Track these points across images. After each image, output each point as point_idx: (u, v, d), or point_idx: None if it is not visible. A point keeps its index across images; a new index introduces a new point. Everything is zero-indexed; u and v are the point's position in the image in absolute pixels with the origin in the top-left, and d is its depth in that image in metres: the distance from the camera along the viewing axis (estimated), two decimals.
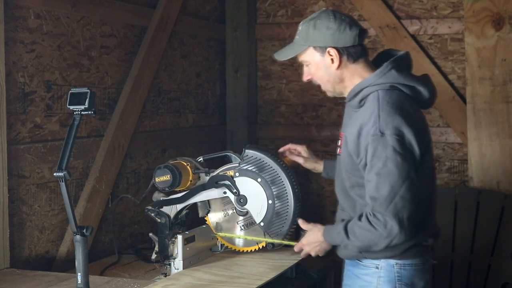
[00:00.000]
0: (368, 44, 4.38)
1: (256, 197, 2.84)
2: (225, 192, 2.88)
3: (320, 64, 2.46)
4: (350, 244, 2.40)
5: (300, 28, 2.50)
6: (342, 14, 2.45)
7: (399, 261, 2.40)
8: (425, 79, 2.47)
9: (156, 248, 2.84)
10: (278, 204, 2.81)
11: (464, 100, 4.17)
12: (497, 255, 3.92)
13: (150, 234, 2.86)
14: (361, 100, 2.40)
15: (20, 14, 2.94)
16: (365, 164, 2.33)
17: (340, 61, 2.43)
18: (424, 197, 2.36)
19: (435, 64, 4.25)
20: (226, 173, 2.88)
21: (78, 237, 2.38)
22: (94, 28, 3.37)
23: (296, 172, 2.88)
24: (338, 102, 4.44)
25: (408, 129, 2.29)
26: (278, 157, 2.89)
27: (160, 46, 3.81)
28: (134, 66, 3.62)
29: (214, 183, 2.86)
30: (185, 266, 2.77)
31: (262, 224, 2.83)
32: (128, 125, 3.55)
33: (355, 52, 2.43)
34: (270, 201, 2.82)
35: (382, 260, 2.41)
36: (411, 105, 2.39)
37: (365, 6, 4.34)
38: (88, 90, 2.37)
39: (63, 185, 2.35)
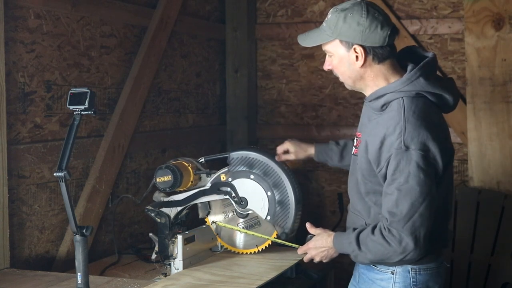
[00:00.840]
0: None
1: (255, 194, 2.85)
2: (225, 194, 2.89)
3: (344, 59, 2.37)
4: (361, 255, 2.37)
5: (329, 16, 2.38)
6: (376, 10, 2.33)
7: (414, 266, 2.38)
8: (450, 85, 2.41)
9: (156, 248, 2.84)
10: (277, 193, 2.82)
11: (464, 100, 4.16)
12: (497, 255, 3.92)
13: (150, 234, 2.86)
14: (383, 105, 2.34)
15: (20, 14, 2.94)
16: (385, 175, 2.28)
17: (365, 60, 2.34)
18: (442, 208, 2.34)
19: None
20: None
21: (78, 237, 2.38)
22: (94, 28, 3.37)
23: (296, 172, 2.88)
24: (338, 102, 4.45)
25: (433, 143, 2.23)
26: (263, 150, 2.92)
27: (160, 46, 3.81)
28: (134, 66, 3.62)
29: (216, 189, 2.87)
30: (185, 266, 2.77)
31: (269, 218, 2.83)
32: (128, 125, 3.55)
33: (382, 53, 2.34)
34: (269, 193, 2.83)
35: (398, 266, 2.38)
36: (436, 113, 2.35)
37: None
38: (88, 90, 2.37)
39: (63, 185, 2.35)
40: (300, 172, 4.37)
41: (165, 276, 2.79)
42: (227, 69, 4.59)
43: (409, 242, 2.24)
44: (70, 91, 2.40)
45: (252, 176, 2.86)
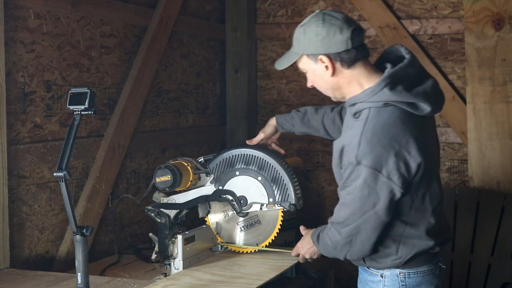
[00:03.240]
0: (368, 44, 4.36)
1: (249, 186, 2.86)
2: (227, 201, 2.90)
3: (316, 72, 2.37)
4: (320, 249, 2.49)
5: (294, 34, 2.40)
6: (333, 17, 2.31)
7: (403, 270, 2.38)
8: (428, 88, 2.31)
9: (156, 248, 2.84)
10: (266, 174, 2.83)
11: (464, 100, 4.17)
12: (497, 255, 3.92)
13: (150, 234, 2.86)
14: (356, 113, 2.33)
15: (20, 14, 2.94)
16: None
17: (334, 68, 2.32)
18: (420, 212, 2.33)
19: (435, 64, 4.25)
20: None
21: (78, 237, 2.38)
22: (94, 28, 3.37)
23: (296, 172, 2.89)
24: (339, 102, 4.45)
25: (391, 159, 2.20)
26: (232, 146, 2.94)
27: (160, 46, 3.81)
28: (134, 66, 3.62)
29: (218, 197, 2.88)
30: (185, 266, 2.77)
31: (271, 200, 2.84)
32: (128, 125, 3.55)
33: (349, 57, 2.30)
34: (259, 177, 2.84)
35: (386, 269, 2.40)
36: (406, 122, 2.26)
37: (365, 6, 4.34)
38: (88, 90, 2.37)
39: (63, 185, 2.35)
40: (300, 172, 4.38)
41: (165, 276, 2.79)
42: (227, 69, 4.59)
43: (344, 244, 2.34)
44: (70, 91, 2.39)
45: (237, 173, 2.87)
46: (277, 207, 2.84)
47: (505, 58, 4.03)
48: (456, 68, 4.23)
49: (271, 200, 2.84)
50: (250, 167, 2.86)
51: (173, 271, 2.78)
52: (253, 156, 2.86)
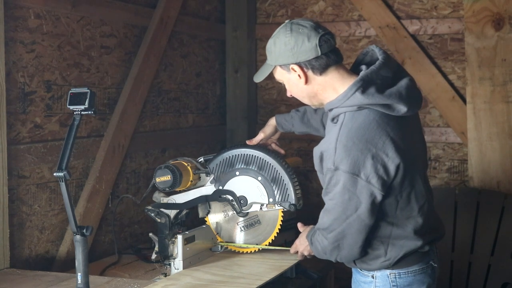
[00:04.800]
0: (368, 44, 4.38)
1: (249, 187, 2.86)
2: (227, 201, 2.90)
3: (290, 81, 2.38)
4: (314, 253, 2.49)
5: (266, 46, 2.44)
6: (300, 26, 2.32)
7: (393, 271, 2.39)
8: (402, 91, 2.27)
9: (156, 248, 2.84)
10: (266, 174, 2.83)
11: (464, 100, 4.16)
12: (497, 255, 3.92)
13: (150, 234, 2.86)
14: (333, 118, 2.34)
15: (20, 14, 2.94)
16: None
17: (306, 76, 2.33)
18: (407, 212, 2.32)
19: (435, 64, 4.25)
20: None
21: (78, 237, 2.38)
22: (94, 28, 3.37)
23: (296, 172, 2.89)
24: None
25: (368, 162, 2.19)
26: (232, 145, 2.94)
27: (160, 46, 3.81)
28: (134, 66, 3.62)
29: (218, 197, 2.88)
30: (185, 266, 2.77)
31: (271, 200, 2.84)
32: (128, 125, 3.55)
33: (319, 64, 2.30)
34: (259, 177, 2.84)
35: (376, 271, 2.41)
36: (381, 124, 2.24)
37: (365, 6, 4.34)
38: (88, 90, 2.37)
39: (63, 185, 2.35)
40: (300, 172, 4.37)
41: (165, 276, 2.79)
42: (227, 69, 4.59)
43: (333, 249, 2.35)
44: (70, 91, 2.39)
45: (237, 173, 2.87)
46: (277, 207, 2.84)
47: (505, 58, 4.03)
48: (456, 68, 4.23)
49: (271, 200, 2.84)
50: (250, 167, 2.86)
51: (173, 271, 2.78)
52: (253, 156, 2.86)
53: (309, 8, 4.53)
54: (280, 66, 2.38)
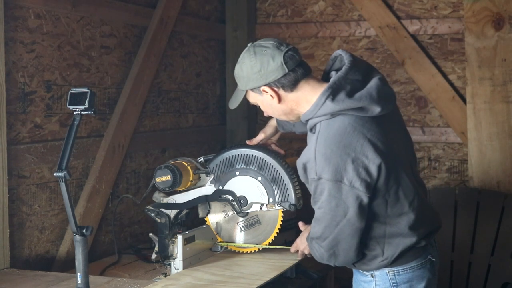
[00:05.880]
0: (368, 44, 4.39)
1: (249, 187, 2.86)
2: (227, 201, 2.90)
3: (264, 102, 2.41)
4: (314, 257, 2.48)
5: (234, 72, 2.44)
6: (263, 47, 2.34)
7: (392, 269, 2.40)
8: (372, 92, 2.27)
9: (156, 248, 2.84)
10: (266, 174, 2.83)
11: (464, 100, 4.17)
12: (497, 255, 3.92)
13: (150, 234, 2.86)
14: (311, 128, 2.35)
15: (20, 14, 2.94)
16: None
17: (279, 95, 2.35)
18: (399, 208, 2.32)
19: (435, 64, 4.25)
20: None
21: (78, 237, 2.38)
22: (94, 28, 3.37)
23: (296, 172, 2.88)
24: None
25: (349, 167, 2.20)
26: (232, 145, 2.93)
27: (160, 46, 3.81)
28: (134, 66, 3.62)
29: (218, 197, 2.88)
30: (185, 266, 2.77)
31: (271, 200, 2.84)
32: (128, 125, 3.55)
33: (288, 81, 2.32)
34: (259, 177, 2.84)
35: (375, 270, 2.42)
36: (357, 127, 2.24)
37: (365, 6, 4.34)
38: (88, 90, 2.37)
39: (63, 185, 2.35)
40: None
41: (165, 276, 2.79)
42: (227, 69, 4.59)
43: (329, 256, 2.35)
44: (70, 91, 2.39)
45: (237, 173, 2.87)
46: (277, 207, 2.84)
47: (505, 58, 4.04)
48: (456, 68, 4.23)
49: (271, 200, 2.84)
50: (250, 167, 2.86)
51: (173, 271, 2.78)
52: (253, 156, 2.86)
53: (309, 8, 4.53)
54: (252, 89, 2.40)
